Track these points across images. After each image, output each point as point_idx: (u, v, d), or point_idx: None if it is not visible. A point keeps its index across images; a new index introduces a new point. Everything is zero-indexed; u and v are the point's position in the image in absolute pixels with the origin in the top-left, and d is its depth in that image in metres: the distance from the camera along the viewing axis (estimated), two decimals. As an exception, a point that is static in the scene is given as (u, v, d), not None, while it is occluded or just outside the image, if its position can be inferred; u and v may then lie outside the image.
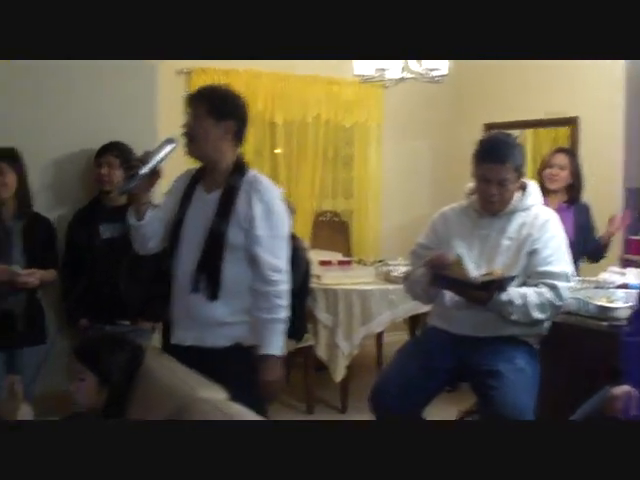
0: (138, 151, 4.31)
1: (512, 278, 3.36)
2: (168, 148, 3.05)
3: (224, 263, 3.03)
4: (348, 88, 7.00)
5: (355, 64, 5.66)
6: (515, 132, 6.61)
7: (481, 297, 3.34)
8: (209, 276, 3.02)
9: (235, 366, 3.02)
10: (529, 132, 7.33)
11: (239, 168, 3.13)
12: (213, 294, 3.03)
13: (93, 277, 4.16)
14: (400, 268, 5.50)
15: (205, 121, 3.06)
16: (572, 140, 6.91)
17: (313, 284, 5.04)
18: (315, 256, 5.34)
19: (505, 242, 3.48)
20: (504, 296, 3.33)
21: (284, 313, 3.07)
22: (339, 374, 5.16)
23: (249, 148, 6.16)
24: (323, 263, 5.49)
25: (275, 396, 3.21)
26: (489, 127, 7.31)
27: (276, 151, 6.90)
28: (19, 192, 4.04)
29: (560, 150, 5.28)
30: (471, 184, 3.65)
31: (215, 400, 2.52)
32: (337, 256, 6.01)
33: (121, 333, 3.55)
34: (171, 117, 5.94)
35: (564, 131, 7.00)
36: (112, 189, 4.25)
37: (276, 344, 3.04)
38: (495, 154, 3.42)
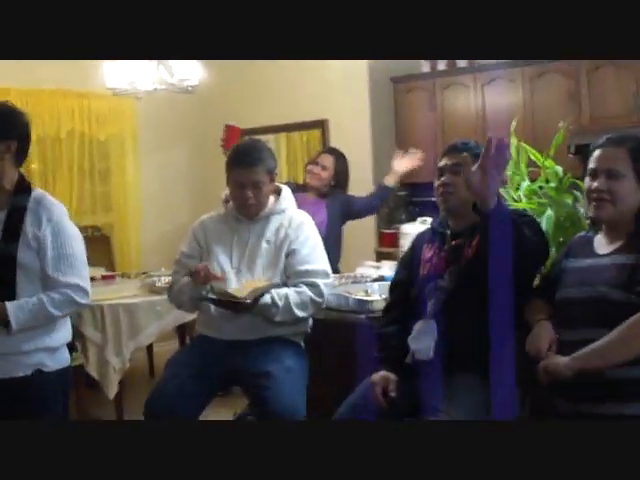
0: None
1: (277, 285, 3.50)
2: None
3: (17, 286, 2.91)
4: (100, 101, 6.91)
5: (107, 77, 5.59)
6: (269, 137, 6.80)
7: (247, 307, 3.42)
8: (2, 300, 2.86)
9: (38, 393, 2.94)
10: (282, 136, 7.54)
11: (23, 187, 3.03)
12: (5, 321, 2.87)
13: None
14: (164, 278, 5.48)
15: None
16: (323, 142, 7.20)
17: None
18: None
19: (264, 245, 3.59)
20: (267, 299, 3.43)
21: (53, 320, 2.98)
22: (112, 390, 5.08)
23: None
24: (87, 279, 5.37)
25: None
26: (243, 133, 7.45)
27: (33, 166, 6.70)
28: None
29: (328, 151, 5.43)
30: (227, 192, 3.73)
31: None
32: (100, 271, 5.98)
33: None
34: None
35: (315, 134, 7.26)
36: None
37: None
38: (247, 158, 3.53)
